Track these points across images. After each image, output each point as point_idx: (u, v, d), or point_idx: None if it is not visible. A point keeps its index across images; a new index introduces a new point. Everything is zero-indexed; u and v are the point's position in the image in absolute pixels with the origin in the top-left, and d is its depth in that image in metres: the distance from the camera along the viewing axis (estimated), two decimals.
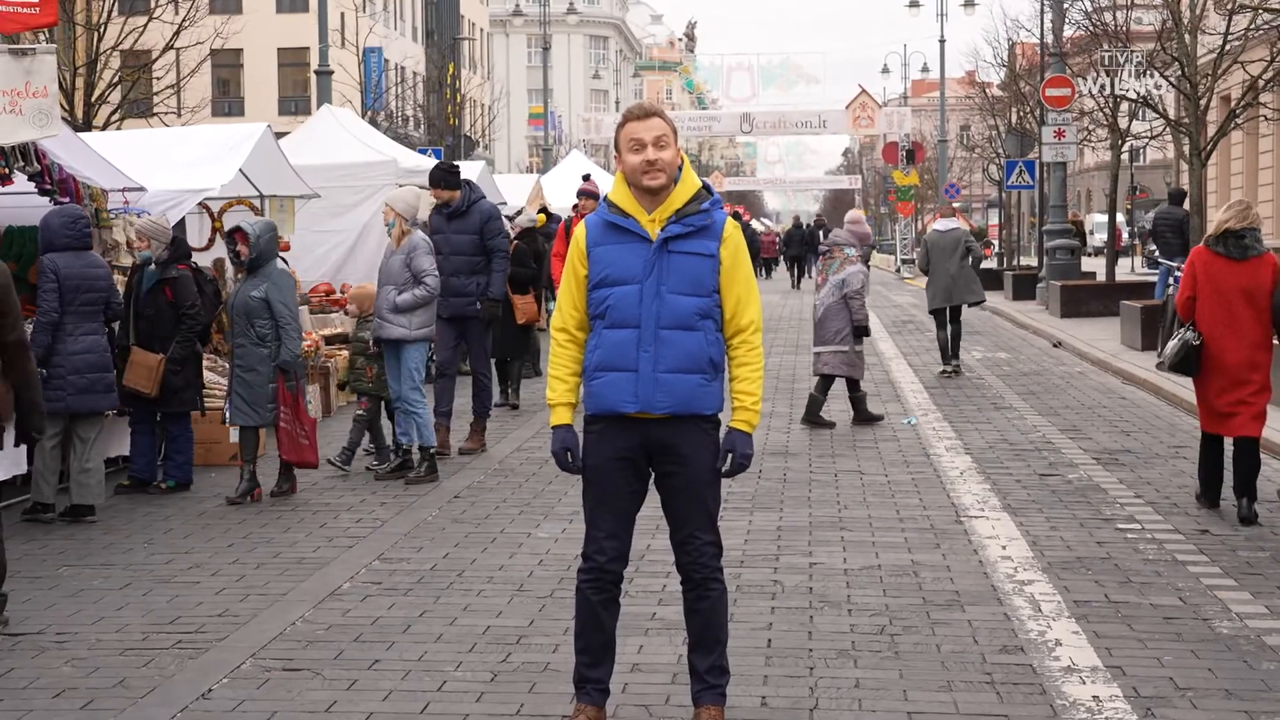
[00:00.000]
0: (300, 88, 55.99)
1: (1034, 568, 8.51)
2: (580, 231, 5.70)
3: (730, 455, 5.64)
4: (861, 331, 14.50)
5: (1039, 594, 7.91)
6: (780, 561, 8.71)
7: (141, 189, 12.39)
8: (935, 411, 15.40)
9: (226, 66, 58.15)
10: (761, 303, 5.83)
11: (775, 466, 11.96)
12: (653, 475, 5.72)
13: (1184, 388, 16.45)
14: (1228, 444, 10.09)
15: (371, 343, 11.81)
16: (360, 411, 12.06)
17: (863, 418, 14.52)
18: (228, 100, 59.29)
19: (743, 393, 5.64)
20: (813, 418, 14.41)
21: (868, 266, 14.86)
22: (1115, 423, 14.51)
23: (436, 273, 11.55)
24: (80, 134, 13.15)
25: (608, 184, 5.69)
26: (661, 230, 5.56)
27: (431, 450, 11.53)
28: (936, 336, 19.71)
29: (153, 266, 11.11)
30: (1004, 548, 9.03)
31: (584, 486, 5.76)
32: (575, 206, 17.77)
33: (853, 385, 14.66)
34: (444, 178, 12.75)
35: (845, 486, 11.18)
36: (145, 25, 25.83)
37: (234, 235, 10.97)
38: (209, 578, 8.44)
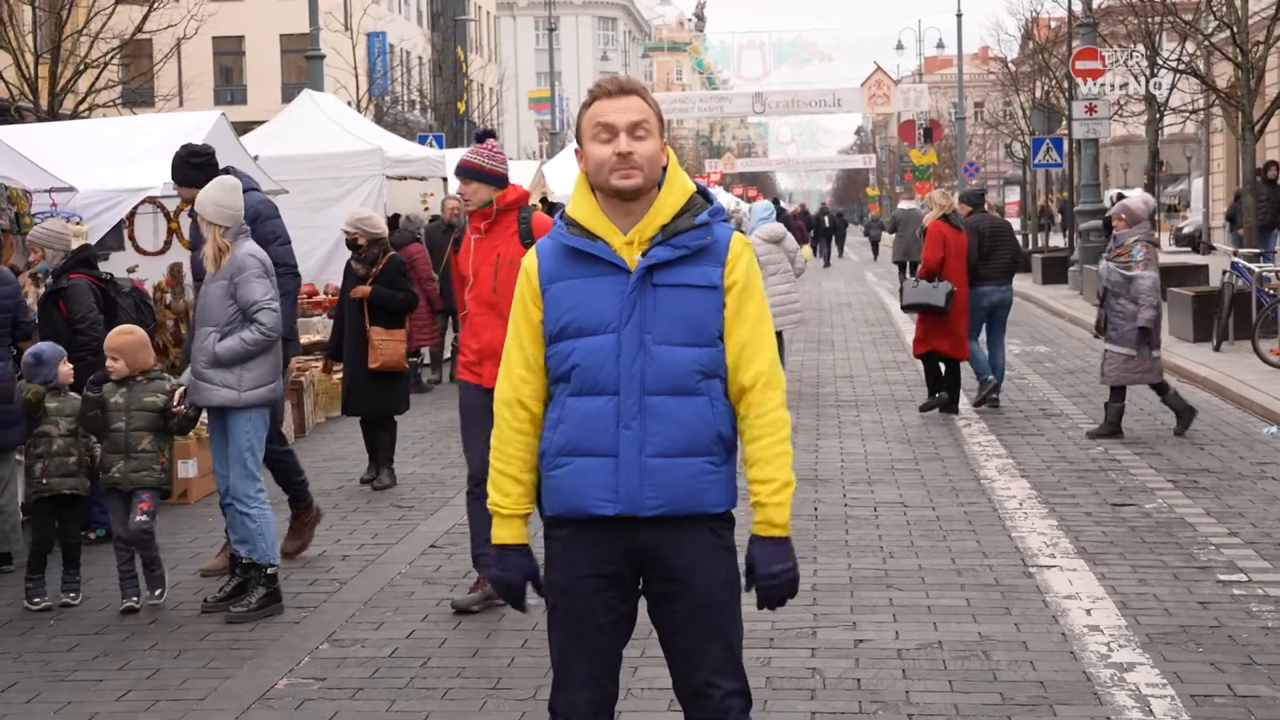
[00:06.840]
0: (305, 74, 54.46)
1: (1131, 644, 6.90)
2: (530, 262, 4.04)
3: (753, 578, 3.96)
4: (1144, 334, 12.52)
5: (1145, 686, 6.30)
6: (818, 639, 7.11)
7: (71, 189, 10.79)
8: (979, 422, 13.78)
9: (228, 54, 56.73)
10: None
11: (805, 499, 10.32)
12: (644, 595, 4.08)
13: (1250, 387, 14.99)
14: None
15: (183, 408, 7.92)
16: (143, 517, 7.91)
17: (1183, 419, 12.76)
18: (230, 88, 57.80)
19: (758, 480, 3.94)
20: (1180, 412, 12.78)
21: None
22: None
23: (275, 304, 7.74)
24: None
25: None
26: (643, 256, 3.93)
27: (271, 570, 7.84)
28: (899, 278, 28.74)
29: (50, 279, 9.55)
30: (1088, 613, 7.43)
31: (548, 616, 4.12)
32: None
33: (1160, 390, 12.85)
34: (183, 170, 8.55)
35: (888, 525, 9.57)
36: (113, 9, 24.17)
37: None
38: (115, 673, 6.85)
